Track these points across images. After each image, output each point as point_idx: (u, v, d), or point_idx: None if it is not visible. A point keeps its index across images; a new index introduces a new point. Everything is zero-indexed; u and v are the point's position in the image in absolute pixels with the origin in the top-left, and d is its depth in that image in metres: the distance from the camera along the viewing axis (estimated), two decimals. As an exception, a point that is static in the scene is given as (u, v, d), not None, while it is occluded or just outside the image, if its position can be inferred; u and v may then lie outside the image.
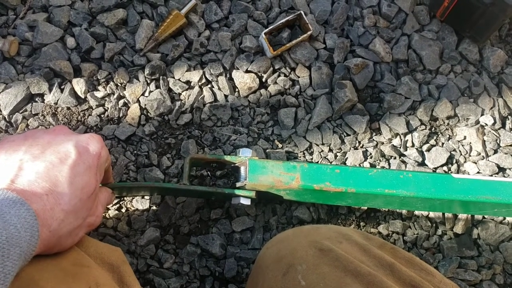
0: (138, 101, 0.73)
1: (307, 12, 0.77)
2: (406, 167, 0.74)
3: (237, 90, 0.75)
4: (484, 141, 0.76)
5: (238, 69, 0.75)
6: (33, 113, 0.71)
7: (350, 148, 0.74)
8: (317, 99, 0.75)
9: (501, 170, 0.75)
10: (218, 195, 0.66)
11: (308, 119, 0.74)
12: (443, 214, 0.73)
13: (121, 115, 0.72)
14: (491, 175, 0.74)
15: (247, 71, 0.75)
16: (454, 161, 0.75)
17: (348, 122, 0.75)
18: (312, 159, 0.73)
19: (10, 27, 0.74)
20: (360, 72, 0.75)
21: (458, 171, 0.75)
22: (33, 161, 0.44)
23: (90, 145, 0.49)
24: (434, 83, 0.77)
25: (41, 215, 0.41)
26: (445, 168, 0.74)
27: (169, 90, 0.74)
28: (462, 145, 0.76)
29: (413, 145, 0.75)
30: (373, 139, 0.75)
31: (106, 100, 0.73)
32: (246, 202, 0.64)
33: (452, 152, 0.75)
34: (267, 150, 0.73)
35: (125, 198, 0.70)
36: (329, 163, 0.73)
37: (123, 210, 0.70)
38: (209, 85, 0.75)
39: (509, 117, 0.77)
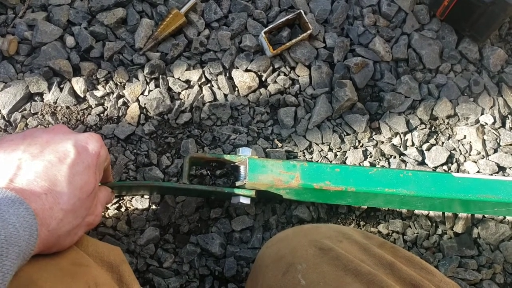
0: (137, 100, 0.73)
1: (307, 11, 0.77)
2: (406, 166, 0.74)
3: (236, 89, 0.75)
4: (484, 140, 0.76)
5: (238, 68, 0.75)
6: (32, 112, 0.71)
7: (350, 147, 0.74)
8: (317, 98, 0.75)
9: (501, 169, 0.75)
10: (218, 194, 0.66)
11: (308, 118, 0.74)
12: (443, 213, 0.73)
13: (120, 114, 0.72)
14: (491, 174, 0.74)
15: (246, 70, 0.75)
16: (454, 160, 0.75)
17: (348, 121, 0.74)
18: (312, 158, 0.73)
19: (9, 26, 0.74)
20: (360, 71, 0.75)
21: (458, 170, 0.74)
22: (32, 160, 0.44)
23: (89, 144, 0.49)
24: (434, 82, 0.77)
25: (40, 214, 0.41)
26: (445, 167, 0.74)
27: (169, 89, 0.74)
28: (462, 144, 0.76)
29: (413, 144, 0.75)
30: (373, 138, 0.75)
31: (105, 99, 0.73)
32: (246, 201, 0.63)
33: (452, 151, 0.75)
34: (266, 150, 0.73)
35: (124, 197, 0.70)
36: (329, 162, 0.73)
37: (123, 209, 0.69)
38: (209, 84, 0.75)
39: (509, 116, 0.77)
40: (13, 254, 0.36)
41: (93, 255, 0.50)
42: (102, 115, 0.72)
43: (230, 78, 0.75)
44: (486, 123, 0.76)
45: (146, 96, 0.73)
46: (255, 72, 0.75)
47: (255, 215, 0.71)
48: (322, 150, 0.74)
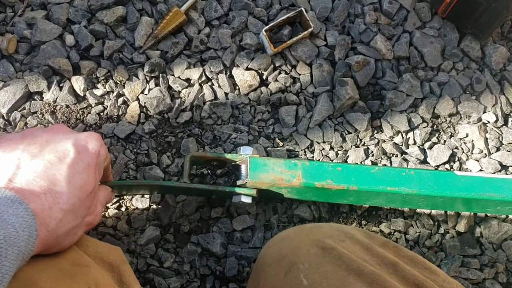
0: (137, 99, 0.72)
1: (307, 9, 0.77)
2: (407, 165, 0.73)
3: (237, 87, 0.74)
4: (486, 139, 0.75)
5: (239, 67, 0.75)
6: (31, 111, 0.71)
7: (351, 146, 0.74)
8: (318, 96, 0.75)
9: (504, 167, 0.75)
10: (219, 194, 0.66)
11: (309, 117, 0.74)
12: (446, 212, 0.72)
13: (120, 113, 0.72)
14: (494, 173, 0.74)
15: (247, 69, 0.74)
16: (456, 159, 0.74)
17: (350, 120, 0.74)
18: (313, 157, 0.73)
19: (9, 25, 0.73)
20: (362, 69, 0.75)
21: (460, 169, 0.74)
22: (31, 159, 0.44)
23: (89, 143, 0.49)
24: (436, 80, 0.77)
25: (39, 214, 0.41)
26: (447, 166, 0.74)
27: (169, 87, 0.73)
28: (464, 143, 0.75)
29: (414, 143, 0.74)
30: (375, 137, 0.75)
31: (105, 98, 0.72)
32: (247, 200, 0.63)
33: (454, 150, 0.75)
34: (267, 149, 0.72)
35: (124, 196, 0.69)
36: (330, 161, 0.73)
37: (123, 208, 0.69)
38: (209, 83, 0.74)
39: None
40: (12, 255, 0.35)
41: (93, 255, 0.49)
42: (102, 114, 0.72)
43: (230, 77, 0.75)
44: (489, 121, 0.76)
45: (146, 94, 0.72)
46: (256, 71, 0.74)
47: (256, 214, 0.70)
48: (323, 149, 0.73)
